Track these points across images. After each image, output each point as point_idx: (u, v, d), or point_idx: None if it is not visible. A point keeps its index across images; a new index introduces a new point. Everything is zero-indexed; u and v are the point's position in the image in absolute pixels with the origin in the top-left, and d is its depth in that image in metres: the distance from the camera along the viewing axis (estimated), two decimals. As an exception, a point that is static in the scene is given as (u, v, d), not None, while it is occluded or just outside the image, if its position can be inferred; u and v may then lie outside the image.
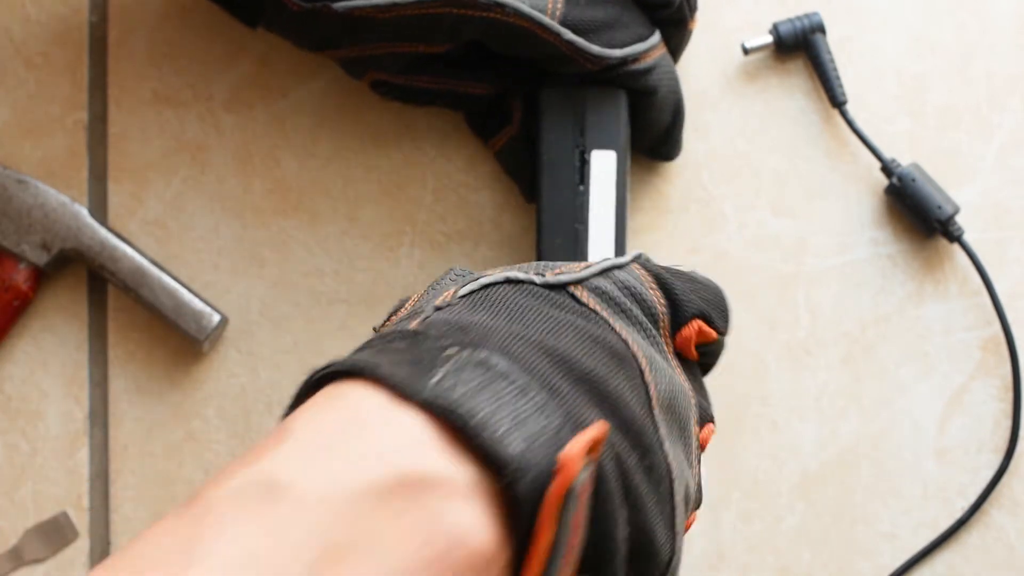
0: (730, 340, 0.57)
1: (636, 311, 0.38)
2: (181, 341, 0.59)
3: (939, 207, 0.56)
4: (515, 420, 0.29)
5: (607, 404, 0.33)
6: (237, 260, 0.59)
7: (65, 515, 0.58)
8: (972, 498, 0.56)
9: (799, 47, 0.59)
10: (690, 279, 0.40)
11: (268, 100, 0.60)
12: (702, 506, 0.56)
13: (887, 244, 0.58)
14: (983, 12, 0.60)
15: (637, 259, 0.40)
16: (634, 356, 0.35)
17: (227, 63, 0.60)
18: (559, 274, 0.37)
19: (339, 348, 0.58)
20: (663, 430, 0.35)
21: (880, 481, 0.57)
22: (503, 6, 0.48)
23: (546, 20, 0.48)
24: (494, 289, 0.36)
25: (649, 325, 0.38)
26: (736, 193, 0.58)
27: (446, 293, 0.36)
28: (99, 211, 0.59)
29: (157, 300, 0.57)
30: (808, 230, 0.58)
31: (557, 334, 0.34)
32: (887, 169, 0.57)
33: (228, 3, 0.55)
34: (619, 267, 0.39)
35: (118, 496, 0.58)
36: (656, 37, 0.52)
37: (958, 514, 0.56)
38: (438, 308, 0.35)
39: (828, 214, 0.58)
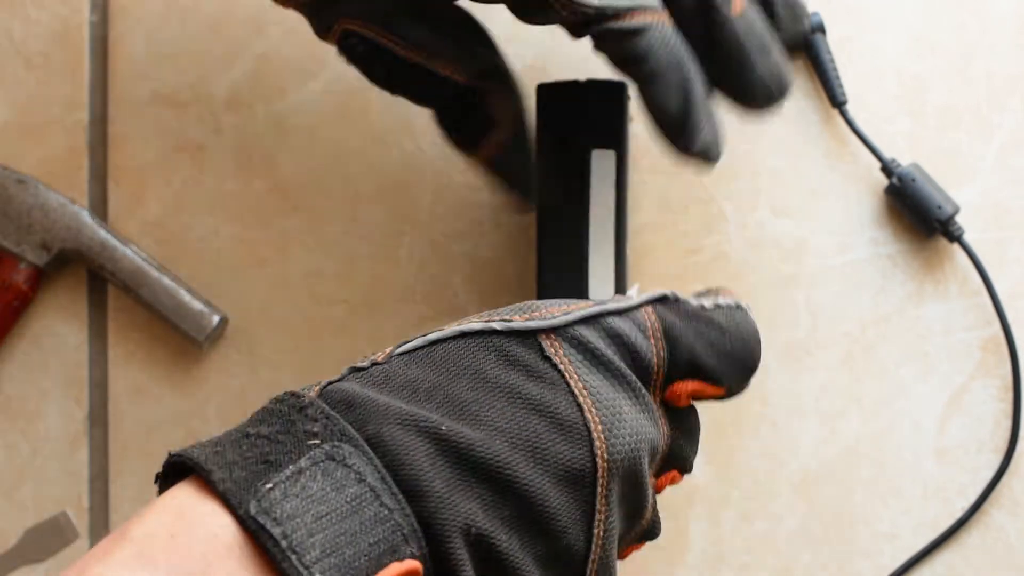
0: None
1: (619, 364, 0.36)
2: (181, 341, 0.59)
3: (939, 207, 0.56)
4: (330, 546, 0.30)
5: (500, 493, 0.33)
6: (237, 260, 0.59)
7: (65, 515, 0.58)
8: (972, 498, 0.56)
9: (799, 47, 0.59)
10: (711, 326, 0.38)
11: (268, 100, 0.60)
12: (701, 506, 0.56)
13: (887, 244, 0.58)
14: (983, 12, 0.60)
15: (659, 300, 0.38)
16: (586, 422, 0.35)
17: (227, 63, 0.60)
18: (530, 320, 0.36)
19: (339, 348, 0.58)
20: (606, 497, 0.35)
21: (880, 481, 0.57)
22: None
23: None
24: (441, 346, 0.35)
25: (634, 378, 0.36)
26: (736, 193, 0.58)
27: (382, 352, 0.36)
28: (99, 211, 0.59)
29: (157, 300, 0.57)
30: (808, 230, 0.58)
31: (482, 404, 0.34)
32: (887, 169, 0.57)
33: None
34: (618, 312, 0.37)
35: (118, 496, 0.58)
36: (654, 1, 0.45)
37: (958, 514, 0.56)
38: (360, 368, 0.35)
39: (828, 214, 0.58)
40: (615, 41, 0.44)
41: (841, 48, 0.59)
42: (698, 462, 0.57)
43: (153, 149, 0.60)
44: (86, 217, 0.57)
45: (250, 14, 0.60)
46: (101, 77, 0.60)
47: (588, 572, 0.36)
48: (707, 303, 0.39)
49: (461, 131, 0.51)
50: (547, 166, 0.51)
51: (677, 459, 0.40)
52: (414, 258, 0.59)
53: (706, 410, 0.57)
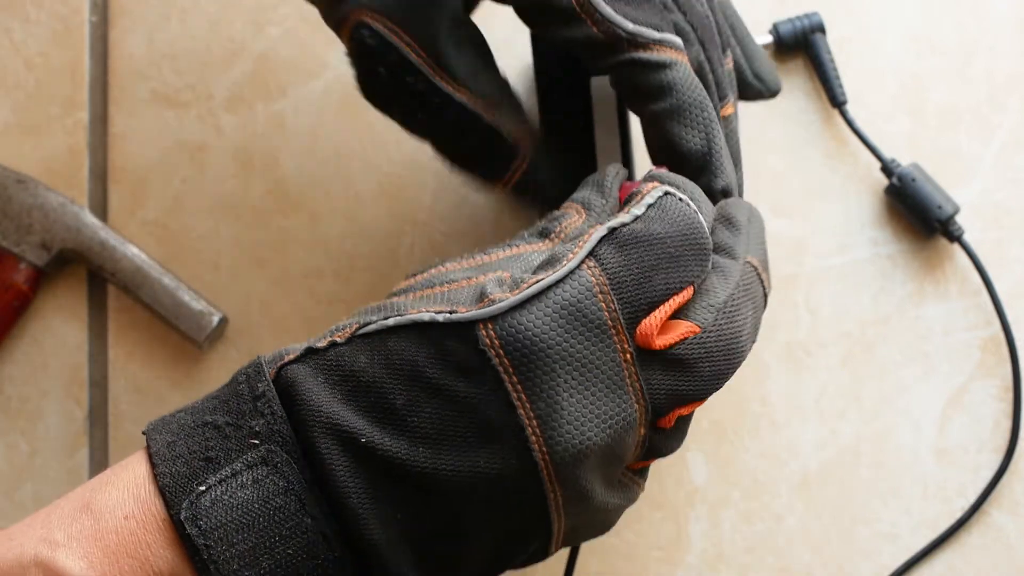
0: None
1: (562, 343, 0.35)
2: (181, 341, 0.59)
3: (939, 207, 0.56)
4: (249, 557, 0.34)
5: (423, 502, 0.35)
6: (237, 260, 0.59)
7: (65, 515, 0.58)
8: (972, 498, 0.56)
9: (799, 47, 0.59)
10: (652, 244, 0.36)
11: (268, 100, 0.60)
12: (701, 506, 0.56)
13: (887, 244, 0.58)
14: (983, 12, 0.60)
15: (601, 242, 0.36)
16: (518, 421, 0.35)
17: (227, 63, 0.60)
18: (471, 310, 0.35)
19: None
20: (558, 490, 0.35)
21: (880, 481, 0.57)
22: None
23: None
24: (393, 338, 0.36)
25: (585, 350, 0.35)
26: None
27: (347, 328, 0.37)
28: (99, 211, 0.59)
29: (157, 300, 0.57)
30: (808, 230, 0.58)
31: (412, 408, 0.35)
32: (887, 169, 0.57)
33: None
34: (560, 281, 0.36)
35: (118, 496, 0.58)
36: (680, 42, 0.44)
37: (958, 514, 0.56)
38: (316, 350, 0.37)
39: (828, 214, 0.58)
40: (641, 72, 0.43)
41: (841, 48, 0.59)
42: (698, 462, 0.57)
43: (153, 149, 0.60)
44: (86, 217, 0.57)
45: (250, 14, 0.60)
46: (101, 77, 0.60)
47: (551, 550, 0.38)
48: (638, 210, 0.37)
49: (479, 163, 0.47)
50: (548, 103, 0.50)
51: (654, 446, 0.38)
52: (414, 258, 0.59)
53: (706, 410, 0.57)
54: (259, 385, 0.36)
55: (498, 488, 0.35)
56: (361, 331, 0.37)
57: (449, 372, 0.35)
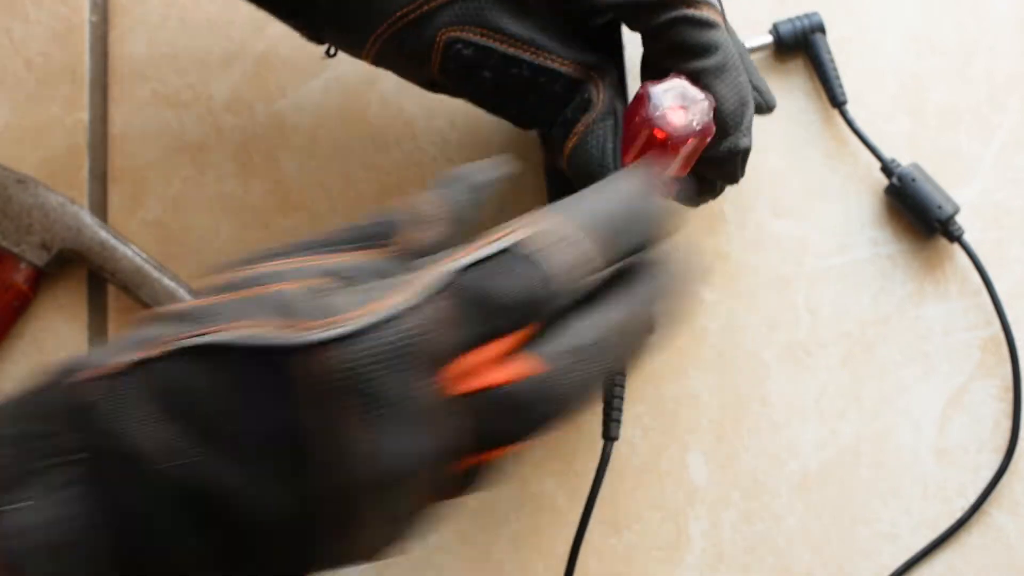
0: (730, 339, 0.57)
1: (390, 382, 0.33)
2: (181, 341, 0.58)
3: (939, 207, 0.56)
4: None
5: (207, 532, 0.34)
6: (237, 260, 0.59)
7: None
8: (972, 498, 0.56)
9: (799, 47, 0.59)
10: (485, 303, 0.34)
11: (268, 100, 0.60)
12: (701, 506, 0.56)
13: (887, 244, 0.58)
14: (983, 12, 0.60)
15: (452, 282, 0.34)
16: (327, 455, 0.33)
17: (227, 63, 0.60)
18: (286, 337, 0.33)
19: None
20: (340, 524, 0.34)
21: (880, 481, 0.57)
22: None
23: None
24: (205, 359, 0.34)
25: (409, 389, 0.33)
26: (736, 193, 0.58)
27: (161, 340, 0.34)
28: (99, 211, 0.59)
29: (157, 300, 0.57)
30: (808, 230, 0.58)
31: (221, 433, 0.33)
32: (887, 169, 0.57)
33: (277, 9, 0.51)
34: (389, 319, 0.33)
35: (118, 496, 0.58)
36: (719, 4, 0.46)
37: (958, 514, 0.56)
38: (121, 374, 0.34)
39: (828, 214, 0.58)
40: (690, 29, 0.45)
41: (841, 48, 0.59)
42: (698, 462, 0.57)
43: (153, 149, 0.60)
44: (86, 217, 0.57)
45: (250, 14, 0.60)
46: (101, 77, 0.60)
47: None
48: (481, 253, 0.36)
49: (555, 128, 0.49)
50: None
51: (492, 439, 0.36)
52: (414, 258, 0.59)
53: (706, 410, 0.57)
54: (52, 406, 0.34)
55: (299, 513, 0.34)
56: (181, 343, 0.34)
57: (265, 396, 0.34)
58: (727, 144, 0.46)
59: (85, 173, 0.60)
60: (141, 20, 0.60)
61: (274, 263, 0.37)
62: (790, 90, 0.59)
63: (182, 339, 0.34)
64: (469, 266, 0.35)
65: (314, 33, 0.51)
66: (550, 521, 0.56)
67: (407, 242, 0.39)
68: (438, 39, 0.47)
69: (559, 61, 0.47)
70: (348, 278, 0.36)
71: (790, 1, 0.60)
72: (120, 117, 0.60)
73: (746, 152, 0.47)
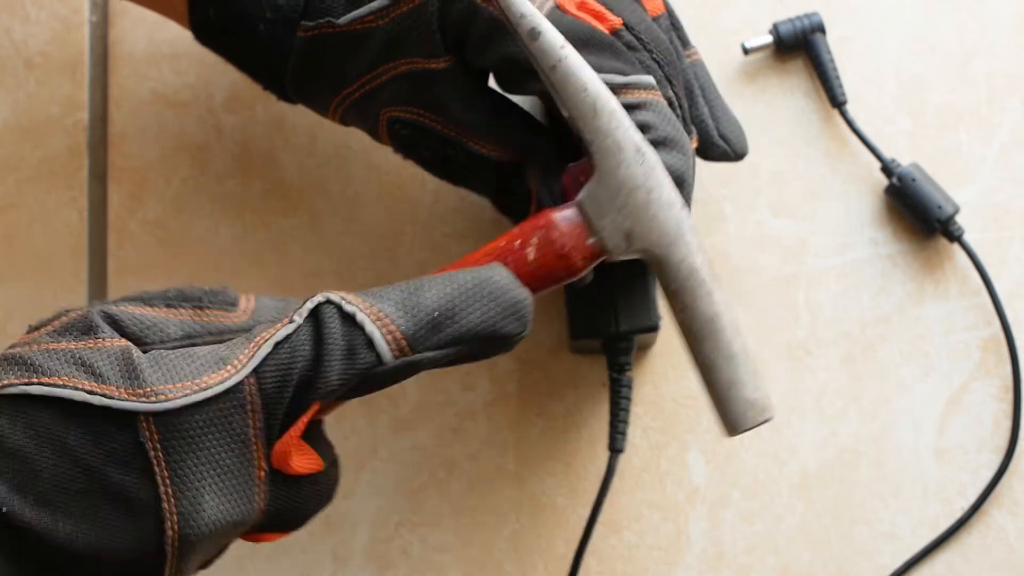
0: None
1: (220, 451, 0.37)
2: (181, 341, 0.59)
3: (939, 207, 0.56)
4: None
5: (58, 571, 0.36)
6: (237, 260, 0.59)
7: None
8: (972, 498, 0.56)
9: (799, 47, 0.59)
10: (292, 369, 0.39)
11: (268, 100, 0.60)
12: (701, 506, 0.56)
13: (887, 244, 0.58)
14: (983, 12, 0.60)
15: (258, 366, 0.38)
16: (161, 513, 0.36)
17: (227, 63, 0.60)
18: (140, 400, 0.36)
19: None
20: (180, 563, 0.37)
21: (880, 481, 0.57)
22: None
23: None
24: (36, 406, 0.36)
25: (234, 459, 0.37)
26: (736, 193, 0.58)
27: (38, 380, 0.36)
28: (99, 211, 0.59)
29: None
30: (808, 230, 0.58)
31: (56, 483, 0.35)
32: (887, 169, 0.57)
33: (249, 69, 0.53)
34: (222, 394, 0.37)
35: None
36: (651, 80, 0.45)
37: (958, 514, 0.56)
38: None
39: (828, 214, 0.58)
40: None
41: (841, 48, 0.59)
42: (698, 462, 0.57)
43: (153, 149, 0.60)
44: (686, 228, 0.46)
45: (250, 14, 0.60)
46: (101, 77, 0.60)
47: None
48: (298, 317, 0.40)
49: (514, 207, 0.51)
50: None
51: (282, 521, 0.40)
52: (414, 258, 0.59)
53: (706, 410, 0.57)
54: None
55: (130, 568, 0.36)
56: (42, 390, 0.36)
57: (101, 455, 0.36)
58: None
59: (85, 173, 0.60)
60: (141, 20, 0.60)
61: (140, 308, 0.40)
62: (790, 90, 0.59)
63: (9, 384, 0.36)
64: (280, 342, 0.39)
65: (287, 98, 0.52)
66: (550, 521, 0.56)
67: (242, 311, 0.42)
68: (381, 116, 0.49)
69: (489, 148, 0.48)
70: (193, 336, 0.40)
71: (790, 1, 0.60)
72: (120, 117, 0.60)
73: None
